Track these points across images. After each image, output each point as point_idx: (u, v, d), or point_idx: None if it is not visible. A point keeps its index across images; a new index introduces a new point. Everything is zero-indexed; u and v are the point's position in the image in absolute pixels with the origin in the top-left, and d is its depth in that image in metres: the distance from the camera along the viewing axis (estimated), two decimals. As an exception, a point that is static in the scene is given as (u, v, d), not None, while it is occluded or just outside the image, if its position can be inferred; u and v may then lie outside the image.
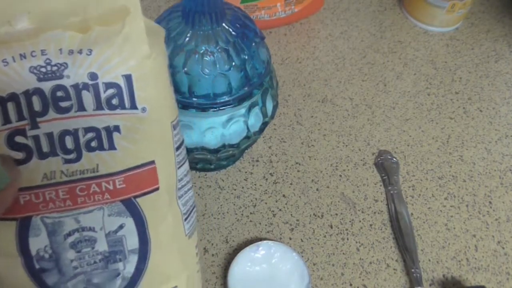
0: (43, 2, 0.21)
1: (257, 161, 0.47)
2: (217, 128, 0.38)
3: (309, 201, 0.44)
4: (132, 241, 0.25)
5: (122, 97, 0.23)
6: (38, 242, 0.23)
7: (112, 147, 0.23)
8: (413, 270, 0.40)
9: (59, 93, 0.22)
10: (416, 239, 0.42)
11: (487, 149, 0.49)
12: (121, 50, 0.23)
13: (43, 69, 0.22)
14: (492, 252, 0.42)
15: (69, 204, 0.23)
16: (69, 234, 0.24)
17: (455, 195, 0.46)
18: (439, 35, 0.61)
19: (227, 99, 0.36)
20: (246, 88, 0.37)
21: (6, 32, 0.21)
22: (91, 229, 0.24)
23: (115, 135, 0.23)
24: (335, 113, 0.51)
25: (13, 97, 0.21)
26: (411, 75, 0.56)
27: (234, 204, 0.44)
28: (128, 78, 0.23)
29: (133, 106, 0.23)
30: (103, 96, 0.23)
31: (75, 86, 0.22)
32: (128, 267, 0.25)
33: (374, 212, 0.44)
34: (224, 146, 0.39)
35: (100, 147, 0.23)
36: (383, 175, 0.46)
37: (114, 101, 0.23)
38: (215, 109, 0.36)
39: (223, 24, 0.35)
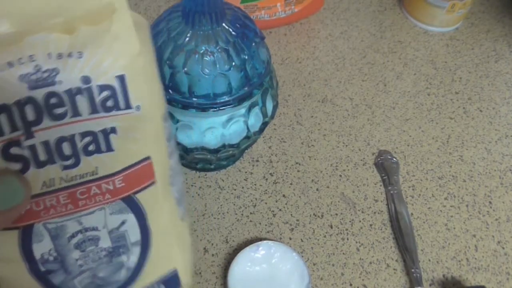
0: (21, 3, 0.20)
1: (257, 161, 0.47)
2: (217, 128, 0.38)
3: (309, 201, 0.44)
4: (134, 234, 0.25)
5: (116, 98, 0.23)
6: (42, 247, 0.23)
7: (109, 148, 0.23)
8: (413, 270, 0.40)
9: (53, 100, 0.22)
10: (416, 239, 0.42)
11: (487, 149, 0.49)
12: (112, 50, 0.22)
13: (34, 77, 0.21)
14: (492, 252, 0.42)
15: (70, 208, 0.23)
16: (72, 236, 0.24)
17: (455, 195, 0.46)
18: (439, 35, 0.61)
19: (227, 99, 0.36)
20: (246, 88, 0.37)
21: None
22: (94, 228, 0.24)
23: (112, 136, 0.23)
24: (335, 113, 0.51)
25: (4, 108, 0.21)
26: (411, 75, 0.56)
27: (234, 204, 0.44)
28: (121, 79, 0.23)
29: (128, 106, 0.23)
30: (98, 99, 0.22)
31: (69, 92, 0.22)
32: (132, 258, 0.26)
33: (374, 212, 0.44)
34: (224, 146, 0.39)
35: (98, 150, 0.23)
36: (383, 175, 0.46)
37: (109, 103, 0.23)
38: (215, 109, 0.36)
39: (223, 24, 0.35)
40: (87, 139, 0.23)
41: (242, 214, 0.43)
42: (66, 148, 0.22)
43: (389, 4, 0.64)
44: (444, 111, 0.53)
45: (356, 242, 0.42)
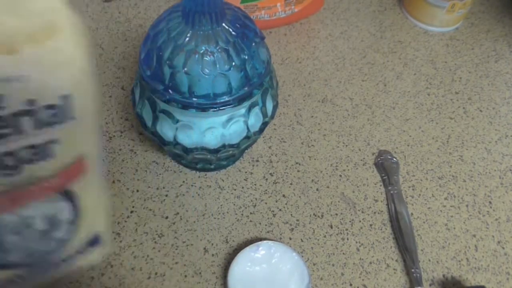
0: None
1: (257, 161, 0.47)
2: (217, 128, 0.38)
3: (309, 201, 0.44)
4: (67, 215, 0.28)
5: (61, 114, 0.23)
6: None
7: (51, 155, 0.25)
8: (413, 270, 0.40)
9: None
10: (416, 239, 0.42)
11: (487, 149, 0.49)
12: (56, 69, 0.22)
13: None
14: (492, 252, 0.42)
15: (9, 206, 0.25)
16: (9, 225, 0.26)
17: (455, 195, 0.46)
18: (439, 35, 0.61)
19: (227, 99, 0.36)
20: (246, 88, 0.37)
21: None
22: (31, 217, 0.27)
23: (54, 145, 0.24)
24: (335, 113, 0.51)
25: None
26: (411, 75, 0.56)
27: (234, 204, 0.44)
28: (66, 97, 0.23)
29: (71, 117, 0.24)
30: (42, 117, 0.23)
31: (14, 115, 0.22)
32: (64, 232, 0.29)
33: (374, 212, 0.44)
34: (224, 146, 0.39)
35: (40, 159, 0.24)
36: (383, 175, 0.46)
37: (53, 119, 0.23)
38: (215, 109, 0.36)
39: (223, 24, 0.35)
40: (31, 151, 0.24)
41: (242, 214, 0.43)
42: (10, 161, 0.23)
43: (389, 4, 0.64)
44: (444, 111, 0.53)
45: (356, 242, 0.42)
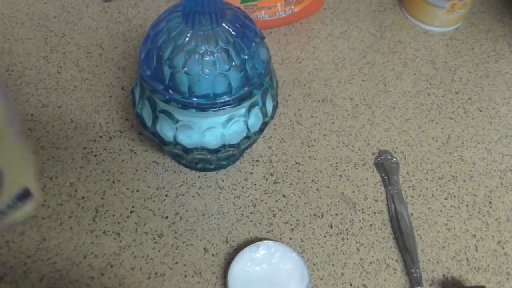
0: None
1: (257, 161, 0.47)
2: (217, 128, 0.38)
3: (309, 201, 0.44)
4: None
5: None
6: None
7: None
8: (413, 270, 0.40)
9: None
10: (416, 239, 0.42)
11: (487, 149, 0.49)
12: None
13: None
14: (492, 252, 0.42)
15: None
16: None
17: (455, 195, 0.46)
18: (439, 35, 0.61)
19: (227, 99, 0.36)
20: (246, 88, 0.37)
21: None
22: None
23: None
24: (335, 113, 0.51)
25: None
26: (411, 75, 0.56)
27: (234, 204, 0.44)
28: None
29: None
30: None
31: None
32: None
33: (374, 212, 0.44)
34: (224, 146, 0.39)
35: None
36: (383, 175, 0.46)
37: None
38: (215, 109, 0.36)
39: (223, 24, 0.35)
40: None
41: (242, 214, 0.43)
42: None
43: (389, 4, 0.64)
44: (444, 111, 0.53)
45: (356, 242, 0.42)
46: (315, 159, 0.47)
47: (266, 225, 0.43)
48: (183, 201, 0.44)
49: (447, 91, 0.55)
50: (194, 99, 0.36)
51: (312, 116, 0.51)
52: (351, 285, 0.40)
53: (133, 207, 0.43)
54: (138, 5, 0.61)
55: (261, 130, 0.41)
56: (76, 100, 0.50)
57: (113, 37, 0.57)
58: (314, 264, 0.41)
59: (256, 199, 0.44)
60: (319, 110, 0.52)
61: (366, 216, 0.44)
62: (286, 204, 0.44)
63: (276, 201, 0.44)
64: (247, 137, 0.39)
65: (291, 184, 0.45)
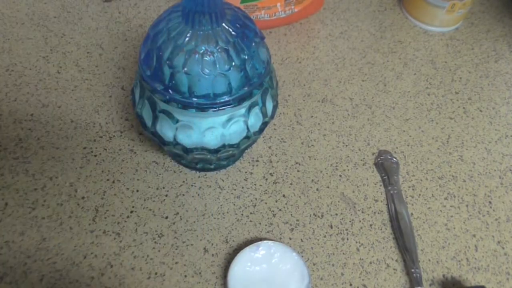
0: None
1: (257, 161, 0.47)
2: (217, 128, 0.38)
3: (309, 201, 0.44)
4: None
5: None
6: None
7: None
8: (413, 270, 0.40)
9: None
10: (416, 239, 0.42)
11: (487, 149, 0.49)
12: None
13: None
14: (492, 252, 0.42)
15: None
16: None
17: (455, 195, 0.46)
18: (439, 35, 0.61)
19: (227, 99, 0.36)
20: (246, 88, 0.37)
21: None
22: None
23: None
24: (335, 113, 0.51)
25: None
26: (411, 75, 0.56)
27: (234, 204, 0.44)
28: None
29: None
30: None
31: None
32: None
33: (374, 212, 0.44)
34: (224, 146, 0.39)
35: None
36: (383, 175, 0.46)
37: None
38: (215, 109, 0.36)
39: (223, 24, 0.35)
40: None
41: (242, 214, 0.43)
42: None
43: (389, 4, 0.64)
44: (444, 111, 0.53)
45: (356, 242, 0.42)
46: (315, 159, 0.47)
47: (266, 225, 0.43)
48: (183, 201, 0.44)
49: (447, 91, 0.55)
50: (194, 99, 0.36)
51: (312, 116, 0.51)
52: (351, 285, 0.40)
53: (133, 207, 0.43)
54: (138, 5, 0.61)
55: (261, 130, 0.41)
56: (76, 100, 0.50)
57: (113, 37, 0.57)
58: (314, 264, 0.41)
59: (256, 199, 0.44)
60: (319, 110, 0.52)
61: (366, 216, 0.44)
62: (286, 204, 0.44)
63: (276, 201, 0.44)
64: (247, 137, 0.39)
65: (291, 184, 0.45)
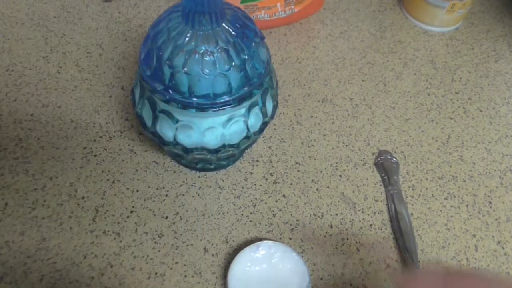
0: None
1: (257, 161, 0.47)
2: (217, 128, 0.38)
3: (309, 201, 0.44)
4: None
5: None
6: None
7: None
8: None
9: None
10: (416, 239, 0.42)
11: (487, 149, 0.49)
12: None
13: None
14: (492, 252, 0.42)
15: None
16: None
17: (455, 195, 0.46)
18: (439, 35, 0.61)
19: (227, 99, 0.36)
20: (246, 88, 0.37)
21: None
22: None
23: None
24: (335, 113, 0.51)
25: None
26: (411, 75, 0.56)
27: (234, 204, 0.44)
28: None
29: None
30: None
31: None
32: None
33: (374, 212, 0.44)
34: (224, 146, 0.39)
35: None
36: (383, 175, 0.46)
37: None
38: (215, 109, 0.36)
39: (223, 24, 0.35)
40: None
41: (242, 214, 0.43)
42: None
43: (389, 4, 0.64)
44: (444, 111, 0.53)
45: (356, 242, 0.42)
46: (315, 159, 0.47)
47: (266, 225, 0.43)
48: (183, 201, 0.44)
49: (447, 91, 0.55)
50: (194, 99, 0.36)
51: (312, 116, 0.51)
52: (351, 285, 0.40)
53: (133, 207, 0.43)
54: (138, 5, 0.61)
55: (261, 130, 0.41)
56: (76, 100, 0.50)
57: (113, 37, 0.57)
58: (314, 264, 0.41)
59: (256, 199, 0.44)
60: (319, 110, 0.52)
61: (366, 216, 0.44)
62: (286, 204, 0.44)
63: (276, 201, 0.44)
64: (247, 137, 0.39)
65: (291, 184, 0.45)
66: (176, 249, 0.41)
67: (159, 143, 0.40)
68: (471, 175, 0.47)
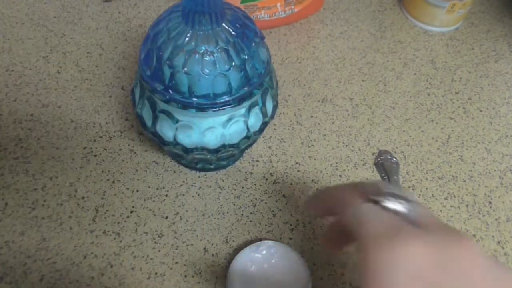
0: None
1: (257, 161, 0.47)
2: (217, 128, 0.38)
3: (309, 201, 0.44)
4: None
5: None
6: None
7: None
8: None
9: None
10: (416, 239, 0.42)
11: (487, 149, 0.49)
12: None
13: None
14: (492, 252, 0.42)
15: None
16: None
17: (455, 195, 0.46)
18: (439, 35, 0.61)
19: (227, 99, 0.36)
20: (246, 88, 0.37)
21: None
22: None
23: None
24: (335, 113, 0.51)
25: None
26: (411, 75, 0.56)
27: (234, 204, 0.44)
28: None
29: None
30: None
31: None
32: None
33: (374, 212, 0.44)
34: (224, 146, 0.39)
35: None
36: (383, 175, 0.46)
37: None
38: (215, 109, 0.36)
39: (223, 24, 0.35)
40: None
41: (242, 214, 0.43)
42: None
43: (389, 4, 0.64)
44: (444, 111, 0.53)
45: (356, 242, 0.42)
46: (315, 159, 0.47)
47: (266, 225, 0.43)
48: (183, 201, 0.44)
49: (447, 91, 0.55)
50: (194, 99, 0.36)
51: (312, 116, 0.51)
52: (351, 285, 0.40)
53: (133, 207, 0.43)
54: (138, 5, 0.61)
55: (261, 130, 0.41)
56: (76, 100, 0.50)
57: (113, 37, 0.57)
58: (314, 264, 0.41)
59: (256, 199, 0.44)
60: (319, 110, 0.52)
61: (366, 216, 0.44)
62: (286, 204, 0.44)
63: (276, 201, 0.44)
64: (247, 137, 0.39)
65: (291, 184, 0.45)
66: (176, 249, 0.41)
67: (159, 143, 0.40)
68: (471, 175, 0.47)
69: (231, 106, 0.36)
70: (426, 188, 0.46)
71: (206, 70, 0.35)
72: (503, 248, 0.42)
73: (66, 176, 0.44)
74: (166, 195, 0.44)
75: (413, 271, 0.22)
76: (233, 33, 0.35)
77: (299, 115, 0.51)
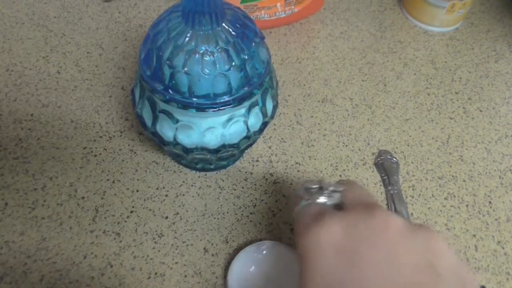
0: None
1: (257, 161, 0.47)
2: (217, 128, 0.38)
3: (309, 201, 0.44)
4: None
5: None
6: None
7: None
8: (413, 270, 0.40)
9: None
10: (416, 239, 0.42)
11: (487, 149, 0.49)
12: None
13: None
14: (492, 252, 0.42)
15: None
16: None
17: (455, 195, 0.46)
18: (439, 35, 0.61)
19: (227, 99, 0.36)
20: (246, 88, 0.37)
21: None
22: None
23: None
24: (335, 113, 0.51)
25: None
26: (411, 75, 0.56)
27: (234, 204, 0.44)
28: None
29: None
30: None
31: None
32: None
33: (374, 212, 0.44)
34: (224, 146, 0.39)
35: None
36: (383, 175, 0.46)
37: None
38: (215, 109, 0.36)
39: (223, 24, 0.35)
40: None
41: (242, 214, 0.43)
42: None
43: (389, 4, 0.64)
44: (444, 111, 0.53)
45: (356, 242, 0.42)
46: (315, 159, 0.47)
47: (266, 225, 0.43)
48: (183, 201, 0.44)
49: (447, 91, 0.55)
50: (194, 99, 0.36)
51: (312, 116, 0.51)
52: (351, 285, 0.40)
53: (133, 207, 0.43)
54: (138, 5, 0.61)
55: (261, 130, 0.41)
56: (76, 100, 0.50)
57: (113, 37, 0.57)
58: (314, 264, 0.41)
59: (256, 199, 0.44)
60: (319, 110, 0.52)
61: (366, 216, 0.44)
62: (286, 204, 0.44)
63: (276, 201, 0.44)
64: (247, 137, 0.39)
65: (291, 184, 0.45)
66: (176, 249, 0.41)
67: (159, 143, 0.40)
68: (471, 175, 0.47)
69: (231, 106, 0.36)
70: (426, 188, 0.46)
71: (206, 70, 0.35)
72: (503, 248, 0.42)
73: (66, 176, 0.44)
74: (166, 195, 0.44)
75: (334, 245, 0.26)
76: (233, 33, 0.35)
77: (299, 115, 0.51)
